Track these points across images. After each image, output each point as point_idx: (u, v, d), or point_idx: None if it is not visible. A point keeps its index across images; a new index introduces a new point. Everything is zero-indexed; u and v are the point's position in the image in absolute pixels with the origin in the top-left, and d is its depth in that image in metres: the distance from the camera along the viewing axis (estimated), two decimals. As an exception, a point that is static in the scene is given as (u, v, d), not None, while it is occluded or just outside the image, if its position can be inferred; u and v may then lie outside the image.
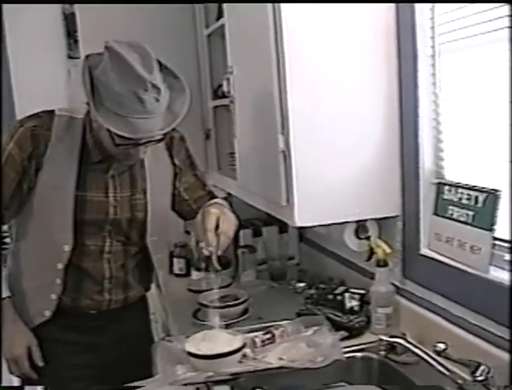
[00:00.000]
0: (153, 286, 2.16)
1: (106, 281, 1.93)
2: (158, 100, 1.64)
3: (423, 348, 1.73)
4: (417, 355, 1.71)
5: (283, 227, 2.87)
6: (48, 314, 1.90)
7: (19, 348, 1.89)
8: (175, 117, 1.70)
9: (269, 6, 1.90)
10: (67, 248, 1.84)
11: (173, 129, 1.96)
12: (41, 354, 1.92)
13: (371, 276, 2.07)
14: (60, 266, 1.86)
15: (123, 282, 1.98)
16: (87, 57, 1.70)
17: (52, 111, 1.86)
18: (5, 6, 2.91)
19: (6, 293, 1.90)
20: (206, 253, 1.77)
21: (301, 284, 2.54)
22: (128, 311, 2.02)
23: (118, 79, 1.60)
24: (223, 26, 2.55)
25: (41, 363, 1.92)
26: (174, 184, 2.03)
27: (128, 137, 1.66)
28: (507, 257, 1.56)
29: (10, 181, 1.82)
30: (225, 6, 2.46)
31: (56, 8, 2.99)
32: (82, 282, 1.91)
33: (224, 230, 1.76)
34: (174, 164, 2.02)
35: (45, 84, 2.98)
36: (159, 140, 1.76)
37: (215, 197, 2.09)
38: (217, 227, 1.76)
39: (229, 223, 1.80)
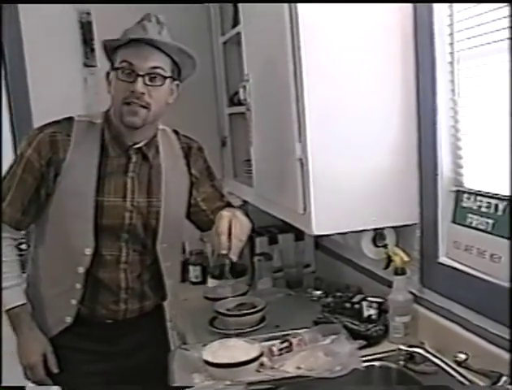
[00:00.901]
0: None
1: (123, 291, 1.94)
2: (160, 33, 1.79)
3: (443, 358, 1.71)
4: (436, 365, 1.69)
5: (299, 235, 2.86)
6: (69, 320, 1.91)
7: (34, 355, 1.90)
8: (171, 41, 1.83)
9: (286, 12, 1.89)
10: (89, 251, 1.86)
11: (191, 139, 2.05)
12: (56, 361, 1.93)
13: (389, 284, 2.05)
14: (81, 270, 1.86)
15: (139, 292, 1.98)
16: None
17: (70, 117, 1.90)
18: (22, 15, 2.93)
19: (22, 300, 1.91)
20: (220, 257, 1.74)
21: (318, 292, 2.53)
22: (144, 320, 2.02)
23: (133, 24, 1.81)
24: (238, 34, 2.56)
25: (55, 370, 1.93)
26: (191, 193, 2.04)
27: (132, 64, 1.76)
28: (528, 265, 1.54)
29: (28, 187, 1.84)
30: (241, 13, 2.46)
31: (73, 17, 3.00)
32: (98, 292, 1.92)
33: (237, 233, 1.71)
34: (190, 174, 2.03)
35: (61, 92, 2.99)
36: (163, 78, 1.81)
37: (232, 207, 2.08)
38: (230, 230, 1.72)
39: (242, 226, 1.74)
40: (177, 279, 2.18)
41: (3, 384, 2.26)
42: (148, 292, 2.01)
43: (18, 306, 1.90)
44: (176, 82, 1.90)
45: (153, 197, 1.93)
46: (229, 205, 2.08)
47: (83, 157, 1.85)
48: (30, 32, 2.97)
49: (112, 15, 2.87)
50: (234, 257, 1.72)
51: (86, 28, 2.99)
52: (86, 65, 3.03)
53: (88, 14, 2.99)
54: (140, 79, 1.77)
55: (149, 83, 1.78)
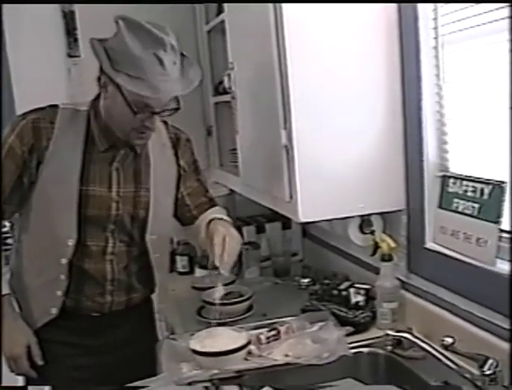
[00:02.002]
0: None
1: (108, 283, 1.90)
2: (175, 63, 1.69)
3: (430, 343, 1.71)
4: (424, 349, 1.70)
5: (286, 223, 2.86)
6: (55, 311, 1.86)
7: (18, 346, 1.87)
8: (191, 82, 1.74)
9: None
10: (71, 242, 1.82)
11: (179, 130, 2.03)
12: (40, 353, 1.89)
13: (376, 271, 2.06)
14: (64, 261, 1.82)
15: (125, 284, 1.94)
16: (93, 39, 1.72)
17: (56, 105, 1.85)
18: (4, 6, 2.89)
19: (6, 290, 1.87)
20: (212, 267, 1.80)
21: (306, 280, 2.53)
22: (131, 313, 1.99)
23: (137, 43, 1.63)
24: (223, 22, 2.54)
25: (40, 362, 1.89)
26: (178, 187, 2.01)
27: (148, 104, 1.67)
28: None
29: (10, 174, 1.79)
30: (225, 1, 2.44)
31: (55, 6, 2.96)
32: (84, 283, 1.88)
33: (230, 251, 1.79)
34: (179, 165, 2.01)
35: (45, 82, 2.95)
36: (175, 110, 1.75)
37: (216, 205, 2.09)
38: (224, 246, 1.79)
39: (234, 244, 1.83)
40: (166, 270, 2.15)
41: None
42: (135, 284, 1.97)
43: (1, 296, 1.85)
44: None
45: (141, 188, 1.90)
46: (212, 201, 2.09)
47: (67, 145, 1.80)
48: (12, 21, 2.92)
49: (95, 5, 2.84)
50: (226, 273, 1.79)
51: (69, 18, 2.94)
52: (70, 55, 2.99)
53: (71, 3, 2.95)
54: (156, 116, 1.72)
55: (162, 114, 1.73)
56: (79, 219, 1.82)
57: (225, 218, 1.99)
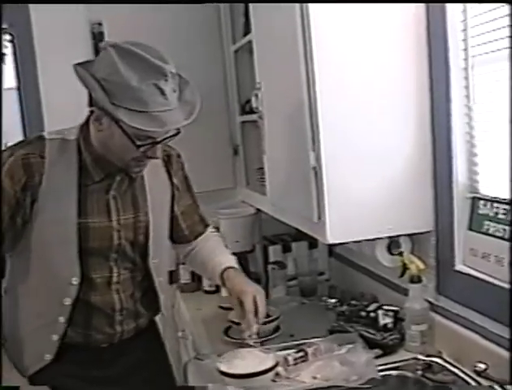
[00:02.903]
0: (181, 302, 2.11)
1: (117, 313, 1.82)
2: (175, 91, 1.60)
3: (461, 368, 1.69)
4: (456, 375, 1.67)
5: (313, 243, 2.85)
6: (49, 357, 1.76)
7: None
8: (193, 106, 1.65)
9: (298, 20, 1.89)
10: (76, 281, 1.73)
11: (169, 146, 1.91)
12: None
13: (404, 292, 2.04)
14: (68, 301, 1.73)
15: (133, 312, 1.87)
16: (77, 65, 1.63)
17: (41, 136, 1.74)
18: (35, 25, 2.96)
19: None
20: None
21: (332, 300, 2.51)
22: (139, 339, 1.91)
23: (134, 73, 1.53)
24: (250, 42, 2.56)
25: None
26: (172, 207, 1.96)
27: (149, 136, 1.60)
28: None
29: (2, 215, 1.67)
30: (252, 21, 2.45)
31: (85, 27, 3.02)
32: (91, 317, 1.79)
33: (263, 312, 1.84)
34: (172, 183, 1.94)
35: (73, 102, 2.96)
36: (176, 135, 1.68)
37: (207, 224, 2.08)
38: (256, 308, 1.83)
39: (263, 298, 1.87)
40: (168, 292, 2.05)
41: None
42: (141, 309, 1.89)
43: None
44: None
45: (140, 212, 1.82)
46: (204, 220, 2.07)
47: (60, 179, 1.69)
48: (43, 43, 3.00)
49: (123, 26, 2.88)
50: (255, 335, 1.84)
51: (98, 39, 2.99)
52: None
53: (100, 24, 3.00)
54: (158, 146, 1.66)
55: (164, 142, 1.68)
56: (80, 254, 1.73)
57: (235, 265, 1.96)
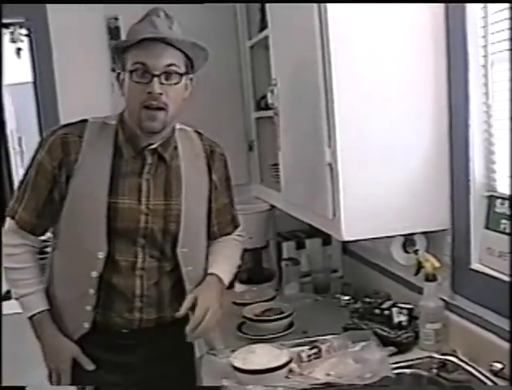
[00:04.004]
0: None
1: (137, 299, 1.85)
2: (170, 28, 1.76)
3: (477, 367, 1.68)
4: (471, 374, 1.66)
5: (326, 239, 2.84)
6: (87, 325, 1.85)
7: (63, 361, 1.86)
8: (185, 37, 1.78)
9: (315, 16, 1.88)
10: (101, 255, 1.80)
11: (215, 142, 2.01)
12: (88, 359, 1.87)
13: (418, 290, 2.03)
14: (94, 274, 1.80)
15: (156, 301, 1.89)
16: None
17: (85, 119, 1.87)
18: (51, 20, 2.97)
19: (44, 306, 1.88)
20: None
21: (346, 298, 2.51)
22: (163, 331, 1.91)
23: (138, 21, 1.79)
24: (266, 38, 2.55)
25: (91, 367, 1.87)
26: (209, 203, 1.99)
27: (145, 67, 1.71)
28: None
29: (41, 189, 1.82)
30: (269, 17, 2.45)
31: (101, 22, 3.02)
32: (112, 299, 1.84)
33: (206, 325, 1.84)
34: (211, 179, 1.97)
35: (89, 96, 3.02)
36: (179, 75, 1.77)
37: (237, 226, 2.11)
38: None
39: (213, 320, 1.87)
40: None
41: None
42: (167, 301, 1.91)
43: (40, 312, 1.86)
44: (190, 76, 1.84)
45: (171, 200, 1.86)
46: (235, 220, 2.09)
47: (95, 158, 1.81)
48: (59, 37, 3.01)
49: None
50: (190, 339, 1.85)
51: (114, 34, 3.00)
52: (114, 70, 3.03)
53: (116, 19, 3.01)
54: (156, 79, 1.71)
55: (165, 82, 1.73)
56: (108, 232, 1.80)
57: (221, 276, 1.96)
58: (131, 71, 1.73)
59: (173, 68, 1.75)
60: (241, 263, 2.65)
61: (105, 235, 1.80)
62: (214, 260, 1.99)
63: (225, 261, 2.02)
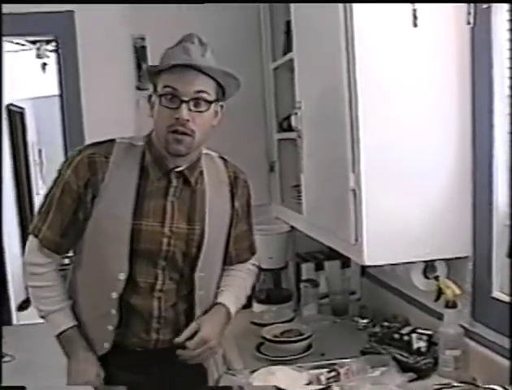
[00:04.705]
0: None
1: (154, 320, 1.86)
2: (203, 56, 1.76)
3: (497, 396, 1.68)
4: (491, 402, 1.66)
5: (345, 262, 2.84)
6: (107, 345, 1.85)
7: (91, 375, 1.85)
8: (216, 65, 1.79)
9: (342, 40, 1.91)
10: (122, 276, 1.80)
11: (239, 169, 2.01)
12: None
13: (438, 316, 2.03)
14: (115, 295, 1.81)
15: (172, 323, 1.89)
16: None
17: (113, 140, 1.87)
18: (79, 38, 3.03)
19: (72, 321, 1.88)
20: None
21: (364, 321, 2.51)
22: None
23: (175, 45, 1.79)
24: (290, 60, 2.58)
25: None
26: (229, 229, 1.98)
27: (174, 91, 1.72)
28: None
29: (66, 209, 1.81)
30: (295, 40, 2.47)
31: (128, 41, 3.07)
32: (130, 319, 1.85)
33: (198, 350, 1.84)
34: (233, 206, 1.97)
35: (114, 114, 3.05)
36: (208, 102, 1.76)
37: (254, 253, 2.10)
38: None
39: (208, 353, 1.87)
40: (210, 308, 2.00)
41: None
42: (182, 322, 1.90)
43: (69, 328, 1.86)
44: (220, 103, 1.84)
45: (195, 224, 1.87)
46: (252, 246, 2.08)
47: (121, 178, 1.81)
48: (86, 54, 3.05)
49: (166, 40, 2.92)
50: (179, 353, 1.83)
51: (140, 53, 3.05)
52: (139, 88, 3.09)
53: (143, 39, 3.06)
54: (184, 105, 1.72)
55: (193, 109, 1.74)
56: (130, 253, 1.81)
57: (229, 306, 1.94)
58: (160, 95, 1.74)
59: (203, 95, 1.75)
60: (260, 283, 2.68)
61: (127, 256, 1.80)
62: (225, 288, 1.98)
63: (236, 291, 2.00)
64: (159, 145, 1.81)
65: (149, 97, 1.83)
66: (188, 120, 1.73)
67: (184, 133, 1.74)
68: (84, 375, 1.86)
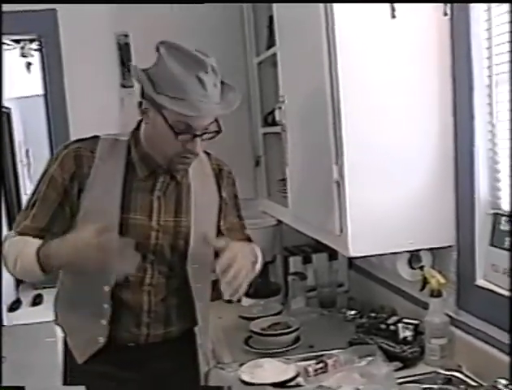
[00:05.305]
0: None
1: (145, 314, 1.86)
2: (215, 85, 1.70)
3: (482, 383, 1.70)
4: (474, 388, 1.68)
5: (333, 254, 2.86)
6: (102, 340, 1.83)
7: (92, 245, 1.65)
8: (231, 103, 1.75)
9: (323, 35, 1.92)
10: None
11: (222, 162, 2.01)
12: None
13: (424, 306, 2.05)
14: (107, 288, 1.80)
15: (163, 317, 1.89)
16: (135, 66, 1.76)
17: (96, 136, 1.87)
18: (63, 36, 3.02)
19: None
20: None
21: (352, 312, 2.53)
22: (169, 347, 1.92)
23: (178, 65, 1.66)
24: (274, 55, 2.59)
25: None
26: (219, 222, 1.99)
27: (188, 124, 1.67)
28: None
29: (50, 202, 1.79)
30: (277, 34, 2.49)
31: (111, 39, 3.07)
32: (121, 313, 1.84)
33: (237, 270, 1.67)
34: (221, 196, 1.98)
35: (99, 111, 3.05)
36: (217, 133, 1.75)
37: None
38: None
39: (245, 264, 1.72)
40: (207, 301, 2.03)
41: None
42: (174, 317, 1.91)
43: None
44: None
45: (181, 218, 1.87)
46: (249, 239, 2.06)
47: (107, 173, 1.81)
48: (70, 53, 3.05)
49: (149, 37, 2.92)
50: (228, 297, 1.70)
51: (124, 50, 3.05)
52: (123, 86, 3.09)
53: (126, 36, 3.05)
54: (198, 139, 1.71)
55: (204, 137, 1.73)
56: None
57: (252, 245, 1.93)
58: (169, 123, 1.69)
59: (213, 126, 1.74)
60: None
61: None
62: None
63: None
64: (158, 157, 1.79)
65: (140, 103, 1.76)
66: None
67: (190, 157, 1.77)
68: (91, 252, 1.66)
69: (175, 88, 1.65)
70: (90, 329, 1.86)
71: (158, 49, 1.71)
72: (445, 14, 1.85)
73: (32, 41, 3.62)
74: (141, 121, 1.83)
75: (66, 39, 3.04)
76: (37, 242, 1.74)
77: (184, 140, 1.70)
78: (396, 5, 1.82)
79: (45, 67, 3.16)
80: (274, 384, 1.77)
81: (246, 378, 1.79)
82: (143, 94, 1.73)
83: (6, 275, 1.89)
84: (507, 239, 1.75)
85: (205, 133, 1.72)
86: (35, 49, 3.68)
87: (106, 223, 1.75)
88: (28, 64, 4.14)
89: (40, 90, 3.37)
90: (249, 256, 1.81)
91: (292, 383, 1.80)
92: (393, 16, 1.83)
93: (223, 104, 1.73)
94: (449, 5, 1.84)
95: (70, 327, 1.90)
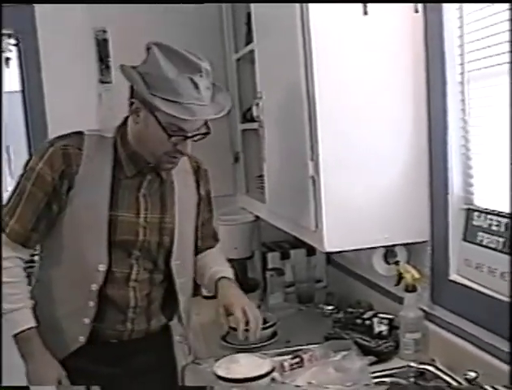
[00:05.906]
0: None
1: (131, 310, 1.87)
2: (208, 88, 1.72)
3: (453, 375, 1.72)
4: (447, 383, 1.70)
5: (311, 250, 2.87)
6: (82, 339, 1.82)
7: (49, 381, 1.81)
8: (223, 107, 1.77)
9: (298, 31, 1.93)
10: (102, 268, 1.80)
11: (198, 159, 2.04)
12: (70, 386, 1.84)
13: (400, 301, 2.07)
14: (95, 287, 1.80)
15: (146, 311, 1.91)
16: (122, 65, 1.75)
17: (80, 132, 1.85)
18: (41, 31, 3.00)
19: (32, 322, 1.82)
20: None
21: (329, 308, 2.55)
22: (150, 341, 1.95)
23: (172, 66, 1.66)
24: (252, 51, 2.59)
25: None
26: (197, 218, 2.04)
27: (181, 127, 1.69)
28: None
29: (37, 202, 1.78)
30: (254, 31, 2.49)
31: (89, 34, 3.06)
32: (106, 310, 1.84)
33: (253, 319, 1.86)
34: (199, 193, 2.03)
35: (77, 107, 3.03)
36: (206, 134, 1.77)
37: (218, 240, 2.15)
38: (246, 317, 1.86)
39: (255, 311, 1.91)
40: (190, 295, 2.06)
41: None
42: (155, 311, 1.94)
43: (29, 329, 1.81)
44: None
45: (166, 214, 1.90)
46: (216, 234, 2.16)
47: (95, 171, 1.80)
48: (47, 48, 3.03)
49: (128, 33, 2.92)
50: (254, 339, 1.89)
51: (102, 46, 3.04)
52: (101, 81, 3.08)
53: (105, 32, 3.04)
54: (189, 140, 1.75)
55: (195, 138, 1.76)
56: (109, 245, 1.81)
57: (230, 276, 2.01)
58: (162, 124, 1.71)
59: (204, 128, 1.77)
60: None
61: (106, 247, 1.80)
62: (215, 266, 2.03)
63: (224, 265, 2.07)
64: (146, 154, 1.80)
65: (131, 103, 1.76)
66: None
67: (179, 157, 1.80)
68: (44, 378, 1.82)
69: (169, 90, 1.66)
70: (72, 327, 1.84)
71: (148, 49, 1.71)
72: (416, 11, 1.87)
73: (9, 36, 3.58)
74: (126, 118, 1.83)
75: (43, 34, 3.03)
76: (22, 320, 1.81)
77: (176, 141, 1.73)
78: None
79: (22, 63, 3.15)
80: (249, 379, 1.77)
81: (222, 373, 1.79)
82: (132, 94, 1.75)
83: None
84: (479, 234, 1.77)
85: (196, 135, 1.75)
86: (13, 45, 3.65)
87: (94, 219, 1.80)
88: (7, 59, 4.10)
89: (18, 86, 3.35)
90: (245, 297, 1.94)
91: (267, 378, 1.80)
92: (365, 13, 1.84)
93: (216, 107, 1.75)
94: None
95: (48, 325, 1.85)
